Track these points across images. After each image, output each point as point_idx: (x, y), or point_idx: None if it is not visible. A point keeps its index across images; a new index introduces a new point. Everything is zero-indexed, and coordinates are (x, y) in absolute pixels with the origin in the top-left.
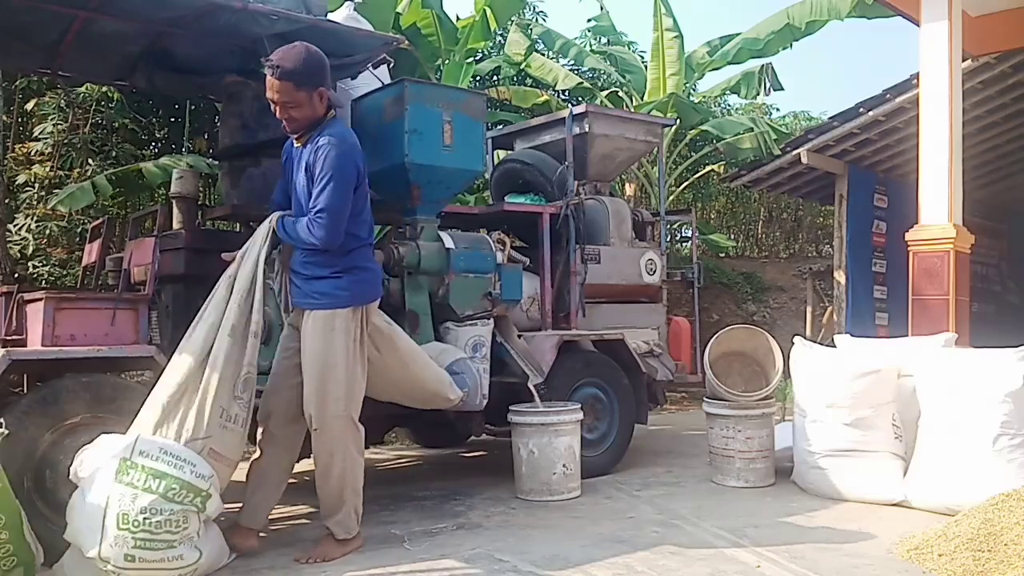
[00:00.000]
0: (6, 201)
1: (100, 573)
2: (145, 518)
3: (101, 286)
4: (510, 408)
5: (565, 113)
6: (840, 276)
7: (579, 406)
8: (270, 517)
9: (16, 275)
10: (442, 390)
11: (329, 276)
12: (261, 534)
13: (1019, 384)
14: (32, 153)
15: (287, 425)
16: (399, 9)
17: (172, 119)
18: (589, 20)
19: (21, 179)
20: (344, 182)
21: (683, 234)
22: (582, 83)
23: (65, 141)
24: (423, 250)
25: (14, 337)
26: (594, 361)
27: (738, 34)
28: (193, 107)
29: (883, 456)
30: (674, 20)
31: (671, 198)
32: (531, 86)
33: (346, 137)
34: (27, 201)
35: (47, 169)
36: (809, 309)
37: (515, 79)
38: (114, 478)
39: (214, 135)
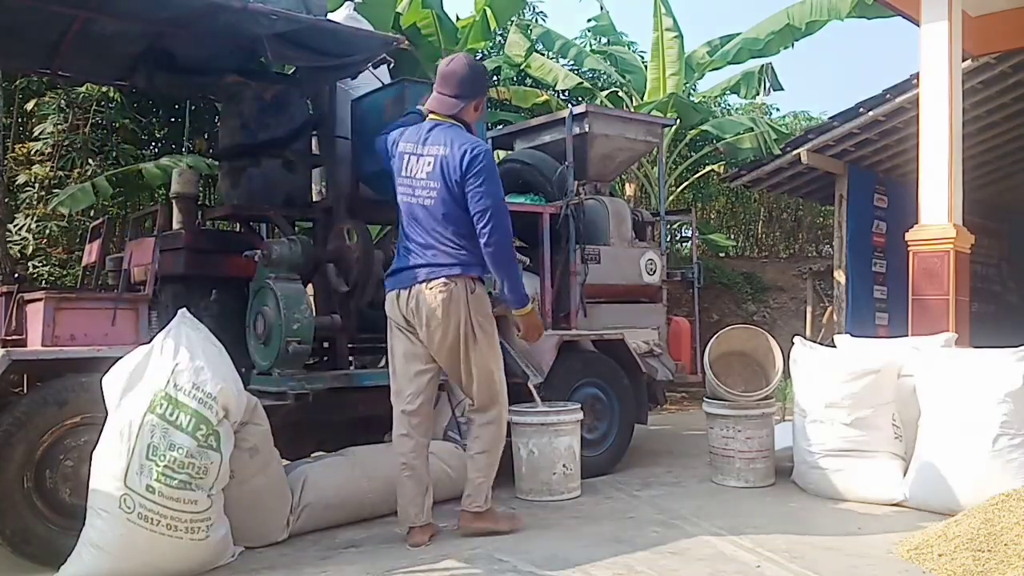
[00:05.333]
0: (6, 201)
1: (113, 555)
2: (173, 457)
3: (101, 286)
4: (510, 408)
5: (565, 113)
6: (840, 276)
7: (579, 406)
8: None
9: (16, 275)
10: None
11: None
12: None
13: (1019, 384)
14: (32, 153)
15: None
16: (399, 9)
17: (172, 119)
18: (589, 20)
19: (21, 179)
20: None
21: (683, 234)
22: (582, 83)
23: (65, 141)
24: None
25: (14, 337)
26: (594, 361)
27: (738, 34)
28: (193, 107)
29: (883, 456)
30: (674, 20)
31: (671, 198)
32: (531, 86)
33: None
34: (27, 201)
35: (47, 169)
36: (809, 309)
37: (515, 79)
38: (147, 408)
39: (214, 135)
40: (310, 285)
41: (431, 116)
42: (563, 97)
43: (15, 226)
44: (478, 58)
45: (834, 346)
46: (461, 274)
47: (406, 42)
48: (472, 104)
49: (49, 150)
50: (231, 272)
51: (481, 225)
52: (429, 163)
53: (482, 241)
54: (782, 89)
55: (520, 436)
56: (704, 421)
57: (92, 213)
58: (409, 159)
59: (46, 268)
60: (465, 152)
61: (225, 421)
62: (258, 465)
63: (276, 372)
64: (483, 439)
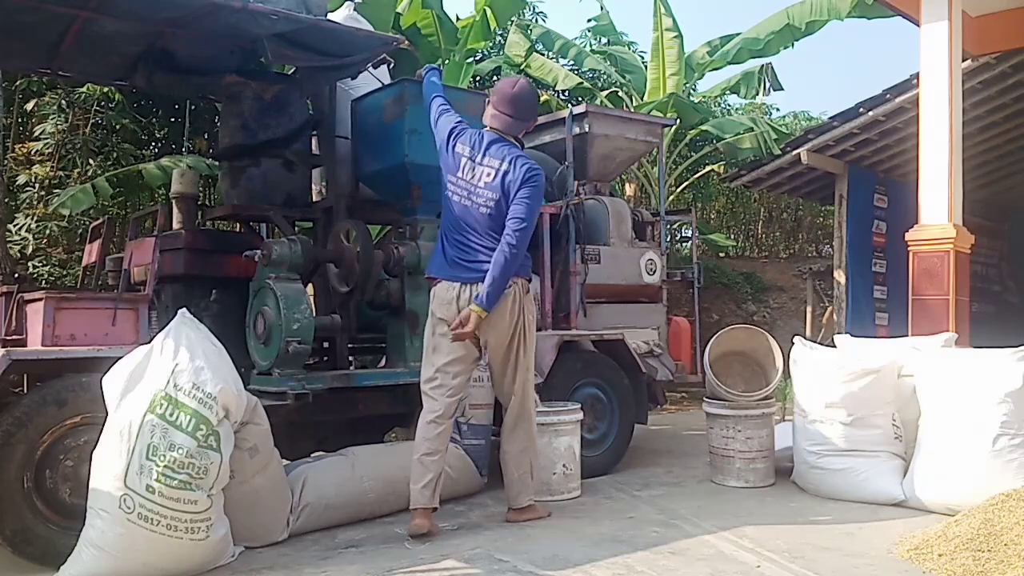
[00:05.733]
0: (6, 201)
1: (113, 555)
2: (173, 457)
3: (101, 286)
4: None
5: (565, 113)
6: (840, 276)
7: (579, 406)
8: None
9: (16, 275)
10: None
11: None
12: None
13: (1019, 384)
14: (32, 153)
15: None
16: (399, 9)
17: (172, 119)
18: (589, 20)
19: (21, 179)
20: None
21: (683, 234)
22: (582, 83)
23: (65, 141)
24: (423, 250)
25: (14, 337)
26: (594, 361)
27: (738, 34)
28: (193, 107)
29: (883, 456)
30: (674, 20)
31: (671, 198)
32: None
33: None
34: (27, 201)
35: (47, 169)
36: (809, 309)
37: None
38: (148, 408)
39: (214, 135)
40: (310, 285)
41: (491, 130)
42: (563, 97)
43: (15, 226)
44: (478, 58)
45: (834, 346)
46: (519, 276)
47: (406, 42)
48: (528, 125)
49: (49, 150)
50: (231, 272)
51: (512, 226)
52: (490, 175)
53: (506, 239)
54: (782, 89)
55: None
56: (704, 421)
57: (92, 213)
58: (466, 163)
59: (46, 268)
60: (526, 171)
61: (225, 421)
62: (258, 465)
63: (276, 372)
64: (520, 438)
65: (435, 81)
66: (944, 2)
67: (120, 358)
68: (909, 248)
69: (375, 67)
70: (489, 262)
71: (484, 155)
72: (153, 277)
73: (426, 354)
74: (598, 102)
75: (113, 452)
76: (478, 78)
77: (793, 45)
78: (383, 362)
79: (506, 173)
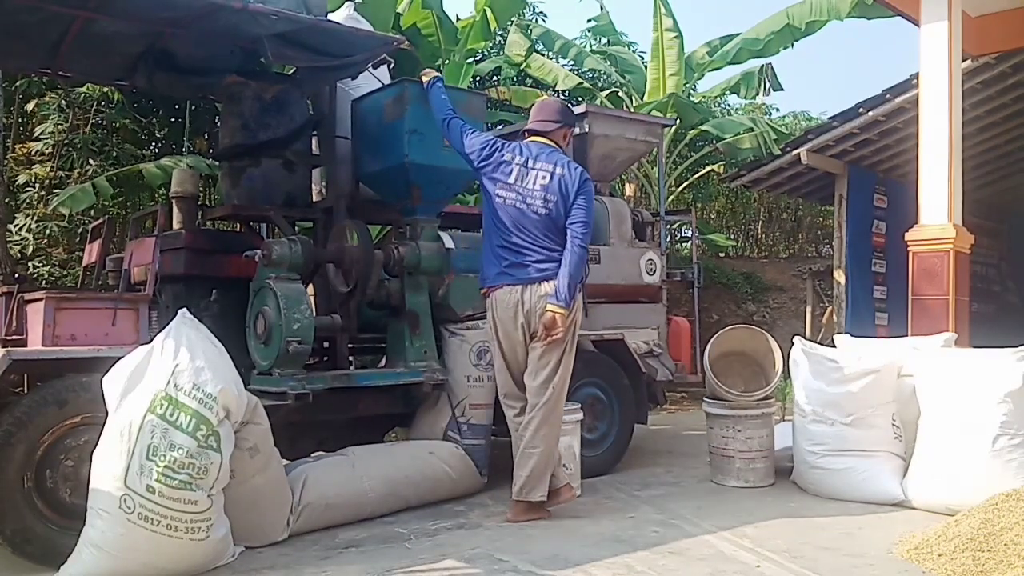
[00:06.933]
0: (6, 201)
1: (114, 555)
2: (173, 457)
3: (101, 286)
4: None
5: None
6: (840, 276)
7: (579, 406)
8: None
9: (16, 275)
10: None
11: None
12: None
13: (1019, 384)
14: (32, 153)
15: None
16: (399, 9)
17: (172, 119)
18: (589, 20)
19: (21, 179)
20: None
21: (683, 234)
22: (582, 83)
23: (65, 141)
24: (423, 250)
25: (14, 337)
26: (594, 361)
27: (738, 34)
28: (193, 107)
29: (883, 456)
30: (674, 20)
31: (671, 198)
32: (531, 86)
33: None
34: (27, 201)
35: (47, 169)
36: (809, 309)
37: (515, 79)
38: (148, 408)
39: (214, 135)
40: (310, 285)
41: (533, 139)
42: (563, 97)
43: (15, 226)
44: (478, 59)
45: (834, 346)
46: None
47: (406, 42)
48: (560, 127)
49: (49, 150)
50: (231, 272)
51: (579, 229)
52: (545, 177)
53: (575, 240)
54: (782, 89)
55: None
56: (704, 421)
57: (92, 213)
58: (518, 169)
59: (46, 268)
60: (580, 174)
61: (226, 421)
62: (258, 465)
63: (276, 372)
64: (548, 436)
65: (444, 98)
66: (944, 2)
67: (120, 358)
68: (909, 248)
69: (375, 67)
70: (545, 261)
71: (536, 160)
72: (153, 277)
73: (498, 365)
74: (598, 102)
75: (113, 452)
76: (478, 78)
77: (793, 45)
78: (383, 362)
79: (562, 176)
